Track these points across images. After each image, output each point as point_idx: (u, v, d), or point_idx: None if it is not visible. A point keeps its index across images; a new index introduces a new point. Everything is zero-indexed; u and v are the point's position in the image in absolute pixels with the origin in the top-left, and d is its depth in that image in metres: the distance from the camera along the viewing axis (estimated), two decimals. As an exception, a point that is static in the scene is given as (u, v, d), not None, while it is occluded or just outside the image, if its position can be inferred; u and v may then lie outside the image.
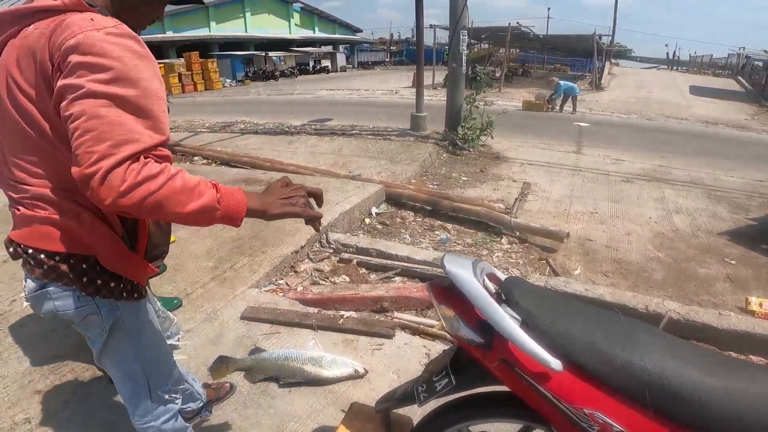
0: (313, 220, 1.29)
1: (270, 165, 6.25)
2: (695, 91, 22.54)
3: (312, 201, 1.30)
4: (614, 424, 1.09)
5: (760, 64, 28.59)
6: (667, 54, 47.80)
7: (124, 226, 1.22)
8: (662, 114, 15.41)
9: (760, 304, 3.59)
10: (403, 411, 1.85)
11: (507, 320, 1.13)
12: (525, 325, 1.16)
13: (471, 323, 1.22)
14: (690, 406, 1.04)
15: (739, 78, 29.43)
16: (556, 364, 1.09)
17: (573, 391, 1.13)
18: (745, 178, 7.71)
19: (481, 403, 1.47)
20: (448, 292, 1.29)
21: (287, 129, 8.92)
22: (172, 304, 3.05)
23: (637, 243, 4.88)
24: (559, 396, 1.13)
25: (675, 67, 43.52)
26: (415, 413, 1.83)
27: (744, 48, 34.27)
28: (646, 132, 11.98)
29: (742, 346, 3.04)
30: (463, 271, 1.19)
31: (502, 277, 1.36)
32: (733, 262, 4.59)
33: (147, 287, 1.43)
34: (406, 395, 1.51)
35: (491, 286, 1.26)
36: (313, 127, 9.27)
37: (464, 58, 8.30)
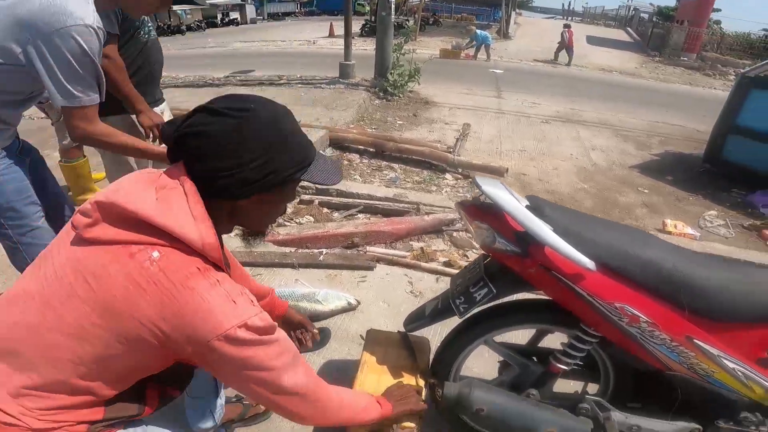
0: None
1: (203, 116, 5.98)
2: (592, 41, 24.03)
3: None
4: (641, 315, 1.28)
5: (646, 16, 30.97)
6: (563, 5, 50.21)
7: None
8: (565, 62, 16.38)
9: (675, 226, 4.20)
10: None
11: (545, 228, 1.25)
12: (557, 232, 1.28)
13: (507, 235, 1.35)
14: (700, 296, 1.27)
15: (628, 29, 31.75)
16: (590, 263, 1.24)
17: (604, 288, 1.29)
18: (644, 119, 8.58)
19: (506, 313, 1.60)
20: (480, 209, 1.42)
21: (211, 81, 8.48)
22: None
23: (565, 176, 5.37)
24: (592, 293, 1.29)
25: (570, 18, 45.86)
26: (428, 334, 1.94)
27: (632, 0, 36.81)
28: (553, 78, 12.76)
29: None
30: (498, 190, 1.30)
31: (519, 197, 1.46)
32: (645, 191, 5.22)
33: None
34: (437, 311, 1.60)
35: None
36: (237, 78, 8.87)
37: (393, 6, 8.29)
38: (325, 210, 3.91)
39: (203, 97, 7.42)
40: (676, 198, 5.11)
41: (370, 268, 3.03)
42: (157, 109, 2.52)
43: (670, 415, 1.49)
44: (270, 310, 1.56)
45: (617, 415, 1.47)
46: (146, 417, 1.09)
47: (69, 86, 1.51)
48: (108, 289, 0.86)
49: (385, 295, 2.82)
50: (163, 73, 9.27)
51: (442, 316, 1.60)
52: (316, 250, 3.19)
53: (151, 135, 2.30)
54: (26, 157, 1.81)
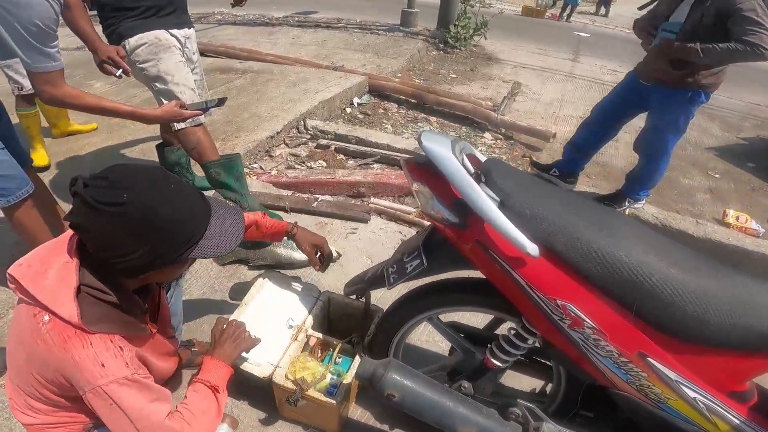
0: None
1: (248, 55, 5.85)
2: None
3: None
4: (586, 319, 1.02)
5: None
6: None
7: None
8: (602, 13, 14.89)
9: (737, 218, 3.59)
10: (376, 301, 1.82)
11: (484, 199, 1.03)
12: (503, 206, 1.06)
13: (446, 201, 1.13)
14: (665, 306, 0.97)
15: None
16: (532, 248, 1.01)
17: (548, 279, 1.05)
18: (743, 100, 7.50)
19: (450, 291, 1.41)
20: (423, 168, 1.19)
21: (268, 20, 8.32)
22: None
23: (624, 150, 4.77)
24: (532, 284, 1.06)
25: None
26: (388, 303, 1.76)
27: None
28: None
29: (714, 255, 3.03)
30: (440, 148, 1.08)
31: (483, 159, 1.24)
32: (717, 175, 4.54)
33: None
34: (375, 278, 1.44)
35: (470, 166, 1.15)
36: (296, 18, 8.65)
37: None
38: (341, 156, 3.69)
39: (256, 35, 7.39)
40: (751, 187, 4.41)
41: (364, 221, 2.79)
42: (178, 32, 2.37)
43: None
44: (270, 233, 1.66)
45: (550, 428, 1.18)
46: None
47: (23, 55, 1.60)
48: (19, 340, 1.04)
49: (372, 251, 2.59)
50: (223, 9, 8.98)
51: (377, 284, 1.43)
52: (312, 196, 2.98)
53: (114, 69, 2.20)
54: None
